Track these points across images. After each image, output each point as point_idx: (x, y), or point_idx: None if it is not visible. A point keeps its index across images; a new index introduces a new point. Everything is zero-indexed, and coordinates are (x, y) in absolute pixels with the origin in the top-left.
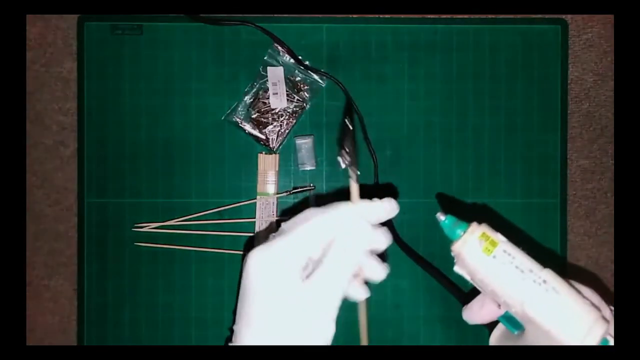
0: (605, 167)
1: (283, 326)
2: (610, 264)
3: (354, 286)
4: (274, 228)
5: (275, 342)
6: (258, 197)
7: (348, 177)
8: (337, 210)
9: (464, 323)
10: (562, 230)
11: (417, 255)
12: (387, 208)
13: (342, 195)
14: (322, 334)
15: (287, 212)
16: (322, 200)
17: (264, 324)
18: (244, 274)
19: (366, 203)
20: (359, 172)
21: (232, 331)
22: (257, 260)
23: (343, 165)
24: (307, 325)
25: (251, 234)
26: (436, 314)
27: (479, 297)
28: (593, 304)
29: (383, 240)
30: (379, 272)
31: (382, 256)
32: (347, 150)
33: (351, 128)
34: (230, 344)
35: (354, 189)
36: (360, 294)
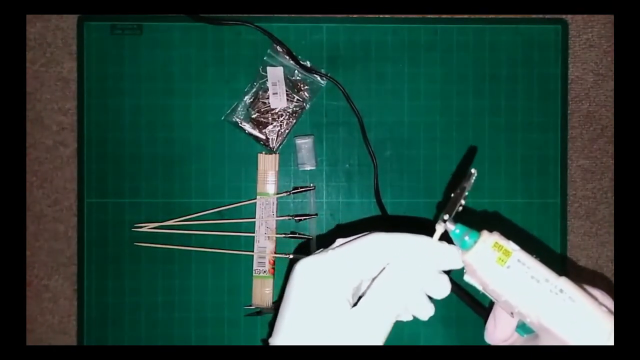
0: (605, 167)
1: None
2: (610, 264)
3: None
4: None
5: None
6: (258, 197)
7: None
8: (411, 239)
9: (464, 323)
10: (562, 230)
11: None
12: (457, 258)
13: (341, 198)
14: None
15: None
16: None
17: (301, 341)
18: (289, 283)
19: (446, 246)
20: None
21: (266, 342)
22: (306, 269)
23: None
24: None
25: (251, 234)
26: (436, 314)
27: (490, 318)
28: (609, 310)
29: (445, 287)
30: (426, 311)
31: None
32: (457, 197)
33: (474, 174)
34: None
35: (440, 230)
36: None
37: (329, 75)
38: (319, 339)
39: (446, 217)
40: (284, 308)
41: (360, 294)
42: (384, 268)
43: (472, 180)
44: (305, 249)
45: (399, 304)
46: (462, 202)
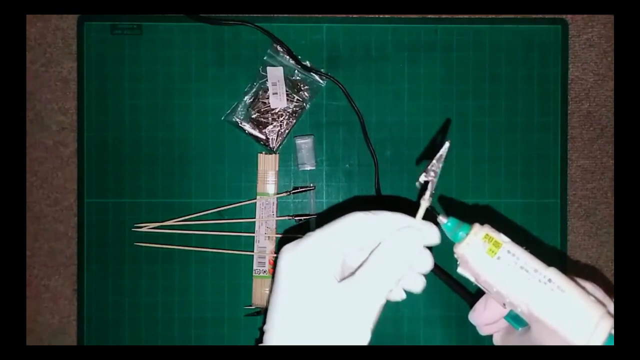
0: (605, 167)
1: (313, 329)
2: (610, 264)
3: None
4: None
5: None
6: (258, 197)
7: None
8: (391, 217)
9: (464, 323)
10: (562, 230)
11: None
12: (437, 236)
13: (341, 198)
14: (355, 341)
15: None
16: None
17: (293, 325)
18: (276, 271)
19: (429, 225)
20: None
21: (262, 332)
22: (289, 256)
23: (422, 180)
24: (340, 330)
25: (251, 234)
26: (436, 314)
27: (482, 299)
28: (598, 300)
29: (429, 262)
30: (418, 284)
31: None
32: (434, 169)
33: (447, 144)
34: (259, 345)
35: (423, 207)
36: (399, 296)
37: (329, 75)
38: (313, 319)
39: (428, 194)
40: (274, 292)
41: (345, 273)
42: (377, 245)
43: (445, 148)
44: None
45: (392, 277)
46: (437, 169)
